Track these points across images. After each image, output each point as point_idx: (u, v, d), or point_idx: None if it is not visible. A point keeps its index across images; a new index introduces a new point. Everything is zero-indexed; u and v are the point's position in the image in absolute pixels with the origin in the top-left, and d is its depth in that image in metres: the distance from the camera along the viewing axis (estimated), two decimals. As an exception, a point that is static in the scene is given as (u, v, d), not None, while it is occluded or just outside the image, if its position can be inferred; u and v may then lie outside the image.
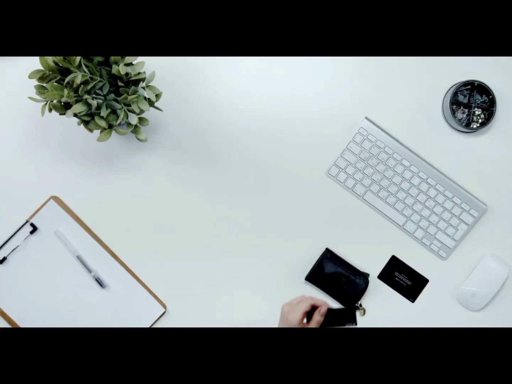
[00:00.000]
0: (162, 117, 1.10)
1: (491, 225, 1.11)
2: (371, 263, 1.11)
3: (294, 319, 0.94)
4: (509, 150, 1.11)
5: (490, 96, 1.07)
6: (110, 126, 0.96)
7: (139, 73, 0.95)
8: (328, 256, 1.08)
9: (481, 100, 1.09)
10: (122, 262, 1.10)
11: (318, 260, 1.08)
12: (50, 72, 0.93)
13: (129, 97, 0.93)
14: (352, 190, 1.10)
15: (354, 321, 0.99)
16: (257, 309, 1.10)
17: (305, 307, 0.95)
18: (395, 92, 1.10)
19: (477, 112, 1.09)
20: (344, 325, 0.99)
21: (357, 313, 1.10)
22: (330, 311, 0.97)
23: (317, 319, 0.95)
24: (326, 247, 1.09)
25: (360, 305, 1.10)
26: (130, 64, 0.95)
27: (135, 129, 0.97)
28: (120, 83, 0.95)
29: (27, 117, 1.09)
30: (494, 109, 1.07)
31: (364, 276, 1.09)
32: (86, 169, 1.10)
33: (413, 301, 1.11)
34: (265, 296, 1.10)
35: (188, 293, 1.10)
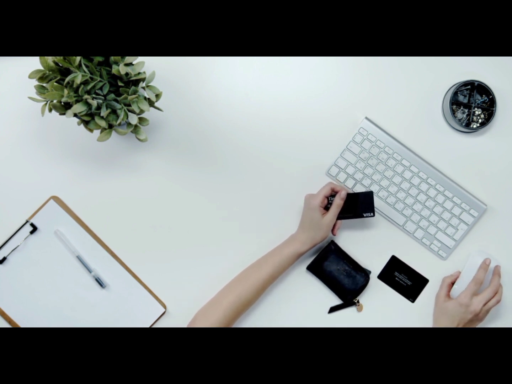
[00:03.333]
0: (162, 117, 1.10)
1: (491, 225, 1.11)
2: (371, 263, 1.11)
3: (315, 202, 1.02)
4: (509, 150, 1.11)
5: (490, 96, 1.07)
6: (110, 126, 0.96)
7: (139, 73, 0.95)
8: (332, 248, 1.08)
9: (481, 100, 1.09)
10: (122, 262, 1.10)
11: (321, 251, 1.08)
12: (50, 72, 0.93)
13: (129, 97, 0.93)
14: (353, 190, 1.10)
15: (372, 210, 1.04)
16: (259, 305, 1.10)
17: (325, 190, 1.03)
18: (395, 92, 1.10)
19: (477, 112, 1.09)
20: (363, 217, 1.05)
21: (355, 308, 1.11)
22: (349, 196, 1.04)
23: (337, 202, 1.03)
24: (331, 240, 1.10)
25: (358, 301, 1.10)
26: (130, 64, 0.95)
27: (135, 129, 0.97)
28: (120, 83, 0.95)
29: (27, 117, 1.09)
30: (494, 109, 1.07)
31: (366, 273, 1.09)
32: (86, 169, 1.10)
33: (413, 301, 1.11)
34: (267, 290, 1.10)
35: (188, 293, 1.10)
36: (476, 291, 1.03)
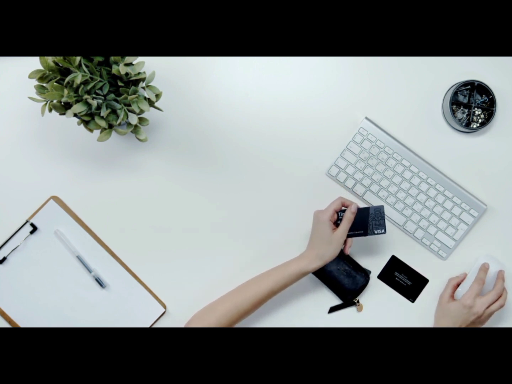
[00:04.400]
0: (162, 117, 1.10)
1: (491, 225, 1.11)
2: (371, 263, 1.11)
3: (325, 216, 1.00)
4: (509, 150, 1.11)
5: (490, 96, 1.07)
6: (110, 126, 0.96)
7: (139, 73, 0.95)
8: None
9: (481, 100, 1.09)
10: (122, 262, 1.10)
11: None
12: (50, 72, 0.93)
13: (129, 97, 0.93)
14: (352, 190, 1.10)
15: (383, 227, 1.02)
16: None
17: (335, 205, 1.01)
18: (395, 92, 1.10)
19: (477, 112, 1.09)
20: (374, 234, 1.02)
21: (355, 308, 1.11)
22: (359, 210, 1.02)
23: (348, 216, 1.00)
24: None
25: (358, 301, 1.10)
26: (130, 64, 0.95)
27: (135, 129, 0.97)
28: (120, 83, 0.95)
29: (27, 117, 1.09)
30: (494, 109, 1.07)
31: (366, 273, 1.09)
32: (86, 169, 1.10)
33: (413, 301, 1.11)
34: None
35: (188, 293, 1.10)
36: (479, 291, 1.03)
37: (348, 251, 1.03)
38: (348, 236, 1.01)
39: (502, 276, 1.05)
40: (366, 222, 1.02)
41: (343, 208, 1.02)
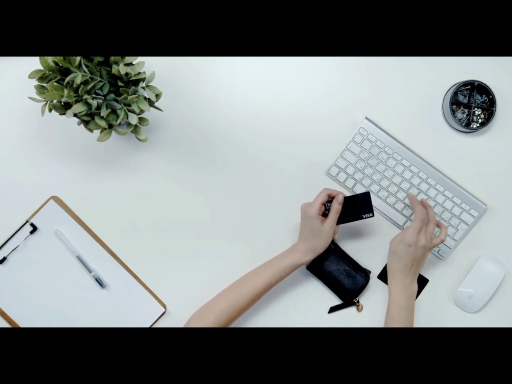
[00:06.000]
0: (162, 117, 1.10)
1: (491, 225, 1.11)
2: (371, 263, 1.11)
3: (313, 210, 1.00)
4: (509, 150, 1.11)
5: (490, 96, 1.07)
6: (110, 126, 0.97)
7: (139, 73, 0.95)
8: (332, 248, 1.08)
9: (481, 100, 1.09)
10: (122, 262, 1.10)
11: None
12: (50, 72, 0.93)
13: (129, 97, 0.93)
14: (352, 190, 1.10)
15: (371, 211, 1.02)
16: (259, 305, 1.10)
17: (321, 197, 1.01)
18: (395, 92, 1.10)
19: (477, 112, 1.09)
20: (362, 218, 1.03)
21: (355, 308, 1.11)
22: (346, 199, 1.02)
23: (335, 207, 1.01)
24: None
25: (358, 301, 1.10)
26: (130, 64, 0.95)
27: (135, 129, 0.97)
28: (120, 83, 0.95)
29: (27, 117, 1.09)
30: (494, 109, 1.07)
31: (366, 273, 1.09)
32: (86, 169, 1.10)
33: (413, 301, 1.11)
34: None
35: (188, 293, 1.10)
36: (421, 228, 1.01)
37: (336, 237, 1.05)
38: (337, 223, 1.03)
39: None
40: (354, 208, 1.03)
41: (329, 198, 1.03)
